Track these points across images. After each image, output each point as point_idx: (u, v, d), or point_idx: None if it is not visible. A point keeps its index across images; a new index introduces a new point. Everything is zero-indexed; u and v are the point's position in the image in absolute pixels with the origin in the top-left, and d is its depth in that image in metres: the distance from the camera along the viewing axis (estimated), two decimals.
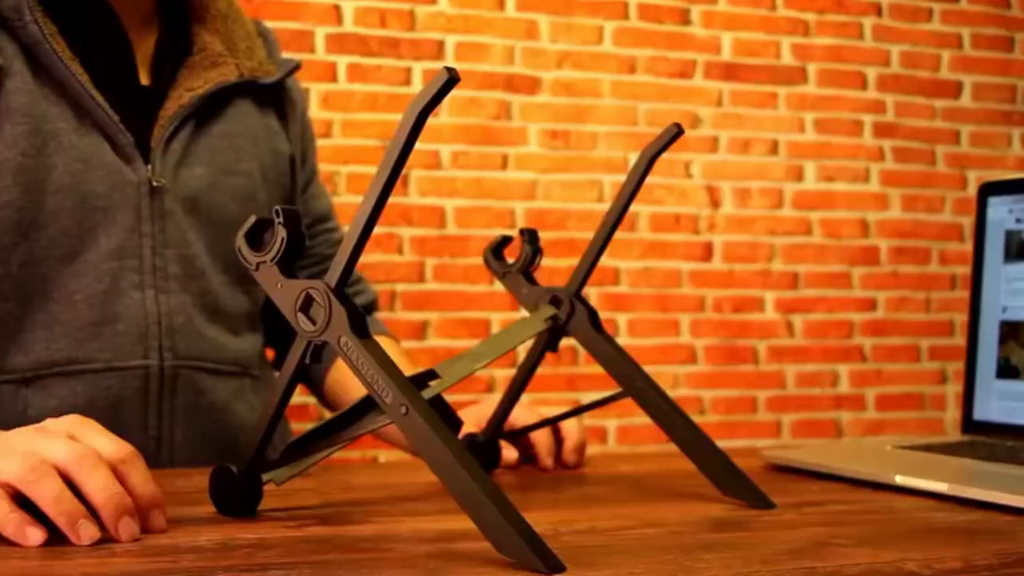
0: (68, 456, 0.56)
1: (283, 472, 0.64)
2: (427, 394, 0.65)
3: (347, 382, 1.08)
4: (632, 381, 0.76)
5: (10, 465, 0.56)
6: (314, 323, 0.57)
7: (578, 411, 0.88)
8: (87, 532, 0.55)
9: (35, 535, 0.55)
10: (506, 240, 0.82)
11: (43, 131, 0.87)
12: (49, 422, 0.61)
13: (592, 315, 0.77)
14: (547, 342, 0.80)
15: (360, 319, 0.56)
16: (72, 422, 0.60)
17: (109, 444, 0.59)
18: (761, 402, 2.55)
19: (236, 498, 0.63)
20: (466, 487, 0.52)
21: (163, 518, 0.60)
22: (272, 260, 0.58)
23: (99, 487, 0.56)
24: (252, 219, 0.59)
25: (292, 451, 0.64)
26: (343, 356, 0.56)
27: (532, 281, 0.80)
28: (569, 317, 0.78)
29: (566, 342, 0.80)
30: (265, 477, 0.64)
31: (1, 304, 0.87)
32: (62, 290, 0.88)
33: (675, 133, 0.72)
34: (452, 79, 0.51)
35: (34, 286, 0.88)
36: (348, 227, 0.58)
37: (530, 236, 0.80)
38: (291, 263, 0.59)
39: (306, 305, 0.57)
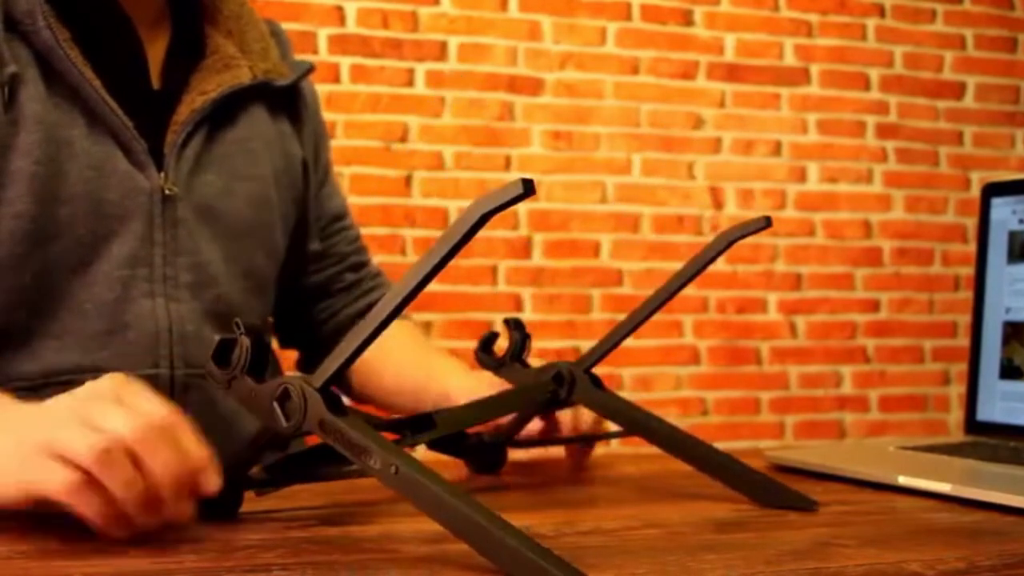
0: (135, 432, 0.56)
1: (266, 487, 0.65)
2: (422, 439, 0.68)
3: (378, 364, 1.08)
4: (641, 423, 0.77)
5: (77, 442, 0.55)
6: (289, 419, 0.58)
7: (585, 439, 0.88)
8: (142, 521, 0.56)
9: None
10: (493, 336, 0.84)
11: (56, 139, 0.86)
12: (92, 386, 0.60)
13: (595, 380, 0.78)
14: (543, 406, 0.81)
15: (336, 401, 0.58)
16: (117, 385, 0.60)
17: (159, 409, 0.58)
18: (764, 403, 2.55)
19: (215, 501, 0.63)
20: (479, 530, 0.51)
21: (215, 476, 0.59)
22: (241, 371, 0.59)
23: (162, 463, 0.56)
24: (216, 339, 0.60)
25: (286, 466, 0.65)
26: (326, 440, 0.57)
27: (526, 367, 0.82)
28: (570, 391, 0.79)
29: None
30: (248, 488, 0.65)
31: (13, 314, 0.86)
32: (73, 299, 0.87)
33: (762, 225, 0.69)
34: (527, 192, 0.48)
35: (46, 295, 0.87)
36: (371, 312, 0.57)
37: (516, 324, 0.83)
38: (260, 370, 0.60)
39: (282, 401, 0.58)
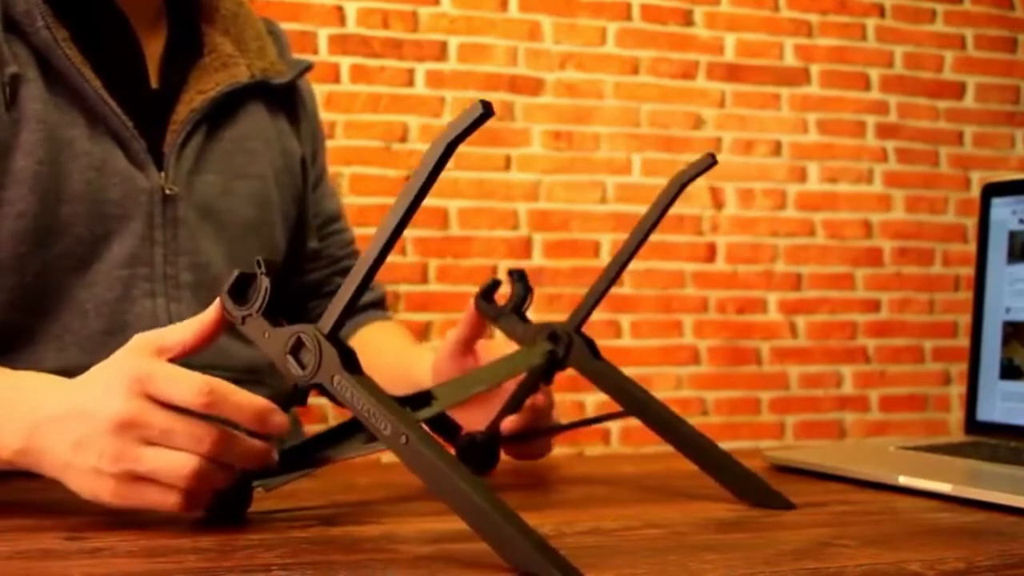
0: (204, 442, 0.59)
1: (274, 480, 0.65)
2: (422, 415, 0.68)
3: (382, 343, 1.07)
4: (636, 402, 0.76)
5: (161, 471, 0.59)
6: (304, 367, 0.57)
7: (579, 424, 0.88)
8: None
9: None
10: (495, 284, 0.83)
11: (58, 138, 0.86)
12: (109, 387, 0.60)
13: (591, 345, 0.77)
14: (542, 374, 0.80)
15: (352, 358, 0.57)
16: (130, 378, 0.59)
17: (192, 395, 0.59)
18: (764, 403, 2.55)
19: (225, 503, 0.63)
20: (477, 509, 0.51)
21: (280, 416, 0.61)
22: (258, 311, 0.59)
23: (240, 454, 0.60)
24: (235, 274, 0.60)
25: (287, 459, 0.64)
26: (338, 395, 0.56)
27: (525, 320, 0.81)
28: (567, 352, 0.78)
29: None
30: (255, 483, 0.64)
31: (13, 314, 0.86)
32: (73, 299, 0.87)
33: (708, 163, 0.71)
34: (486, 113, 0.49)
35: (46, 296, 0.87)
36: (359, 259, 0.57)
37: (519, 276, 0.81)
38: (276, 312, 0.59)
39: (296, 349, 0.57)
